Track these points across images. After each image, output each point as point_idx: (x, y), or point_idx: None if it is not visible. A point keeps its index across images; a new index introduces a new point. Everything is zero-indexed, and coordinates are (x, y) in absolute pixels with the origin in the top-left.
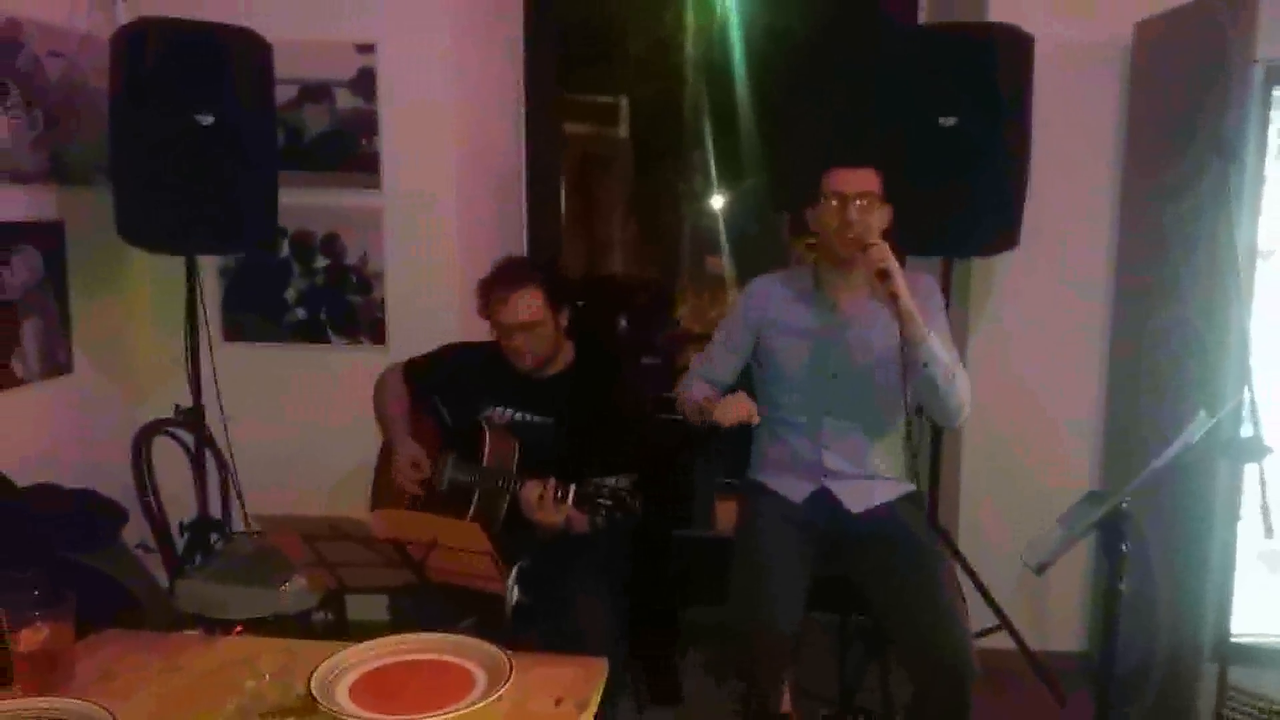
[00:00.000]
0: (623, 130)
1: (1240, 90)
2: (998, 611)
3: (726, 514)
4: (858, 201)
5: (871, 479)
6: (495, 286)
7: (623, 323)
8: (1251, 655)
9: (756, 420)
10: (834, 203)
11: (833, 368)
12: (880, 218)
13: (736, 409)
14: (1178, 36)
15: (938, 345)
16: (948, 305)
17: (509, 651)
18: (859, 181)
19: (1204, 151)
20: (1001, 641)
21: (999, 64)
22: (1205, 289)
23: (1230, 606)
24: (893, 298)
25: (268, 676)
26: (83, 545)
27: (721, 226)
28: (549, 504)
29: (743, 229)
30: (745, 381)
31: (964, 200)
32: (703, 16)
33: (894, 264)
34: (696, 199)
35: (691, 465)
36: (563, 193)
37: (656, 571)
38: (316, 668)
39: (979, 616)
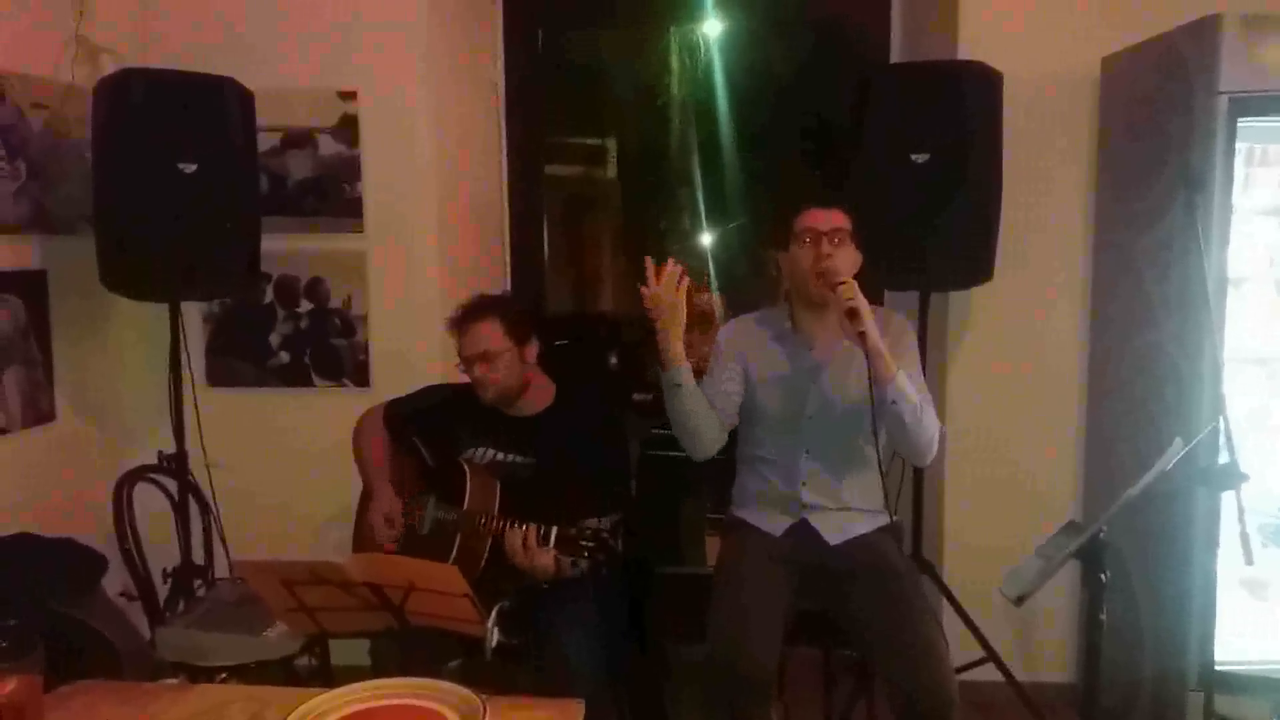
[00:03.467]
0: (610, 171)
1: (1205, 122)
2: (984, 643)
3: (717, 550)
4: (832, 239)
5: (848, 511)
6: (458, 321)
7: (613, 360)
8: (1236, 683)
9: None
10: (807, 241)
11: (809, 409)
12: (851, 259)
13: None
14: (1144, 70)
15: (906, 383)
16: (925, 338)
17: (484, 695)
18: (832, 220)
19: (1172, 182)
20: (989, 673)
21: (969, 100)
22: (1178, 317)
23: (1213, 634)
24: (861, 336)
25: None
26: (61, 594)
27: (711, 264)
28: (533, 550)
29: (732, 266)
30: None
31: (938, 234)
32: (687, 60)
33: (863, 303)
34: (685, 237)
35: (679, 502)
36: (546, 233)
37: (643, 608)
38: (288, 715)
39: (966, 648)
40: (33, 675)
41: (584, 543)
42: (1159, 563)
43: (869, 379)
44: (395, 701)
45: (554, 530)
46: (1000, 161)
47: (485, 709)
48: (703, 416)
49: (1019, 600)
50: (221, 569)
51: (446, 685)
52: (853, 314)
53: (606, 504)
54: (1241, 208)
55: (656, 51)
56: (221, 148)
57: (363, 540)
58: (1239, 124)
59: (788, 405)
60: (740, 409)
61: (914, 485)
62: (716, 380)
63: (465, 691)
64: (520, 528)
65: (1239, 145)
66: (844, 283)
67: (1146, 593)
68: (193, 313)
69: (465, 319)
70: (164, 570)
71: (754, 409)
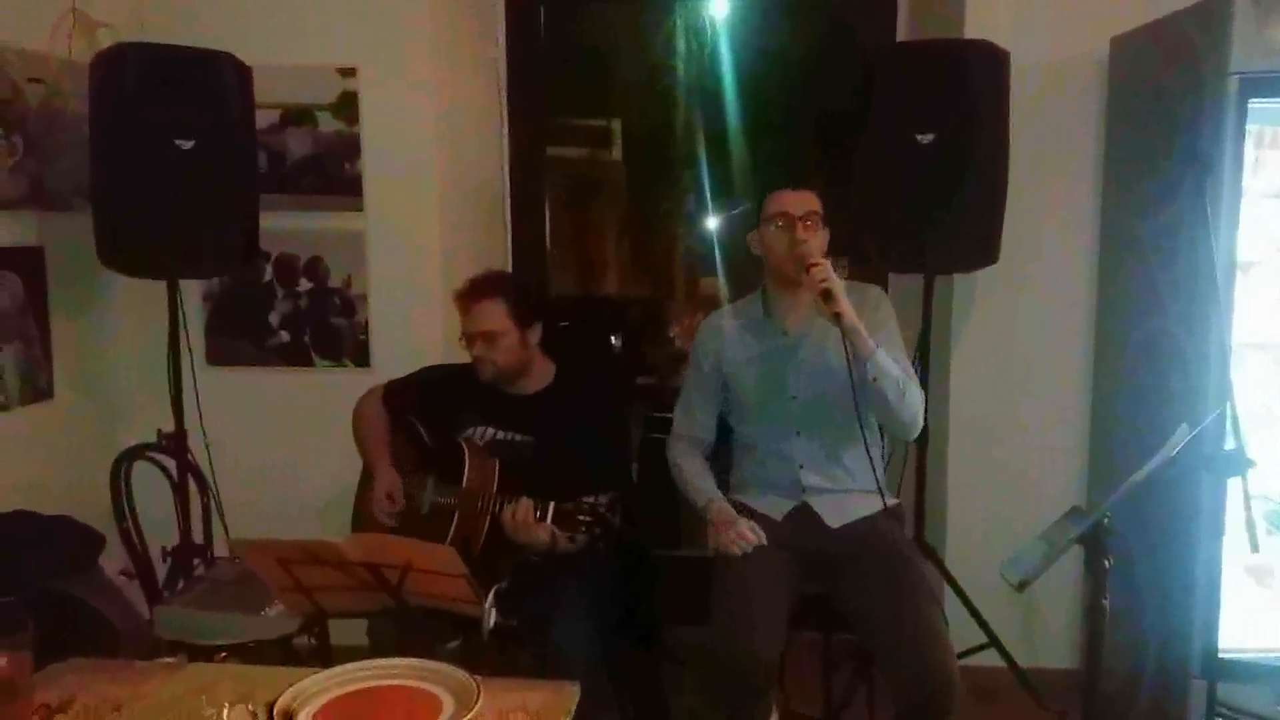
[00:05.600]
0: (615, 153)
1: (1215, 103)
2: (986, 629)
3: None
4: (804, 222)
5: (849, 493)
6: (464, 296)
7: (616, 342)
8: (1240, 671)
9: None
10: (780, 224)
11: (792, 389)
12: (823, 239)
13: (731, 542)
14: (1153, 50)
15: (885, 359)
16: (929, 321)
17: (477, 676)
18: (803, 203)
19: (1181, 164)
20: (992, 658)
21: (975, 80)
22: (1186, 301)
23: (1218, 622)
24: (837, 317)
25: (227, 706)
26: (58, 572)
27: (716, 247)
28: (530, 524)
29: (737, 249)
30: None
31: (943, 216)
32: (693, 40)
33: (836, 283)
34: (690, 220)
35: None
36: (548, 214)
37: (642, 590)
38: (279, 695)
39: (969, 634)
40: (23, 652)
41: (581, 518)
42: (1164, 549)
43: (848, 358)
44: (388, 682)
45: (551, 505)
46: (1007, 142)
47: (479, 690)
48: None
49: (1021, 585)
50: (221, 548)
51: (440, 666)
52: (827, 295)
53: (605, 483)
54: (1251, 190)
55: (662, 32)
56: (219, 124)
57: (362, 520)
58: (1249, 105)
59: (769, 389)
60: (727, 405)
61: (917, 468)
62: (698, 410)
63: (459, 673)
64: (516, 504)
65: (1249, 127)
66: (817, 264)
67: (1151, 579)
68: (192, 291)
69: (471, 295)
70: (163, 549)
71: (738, 401)
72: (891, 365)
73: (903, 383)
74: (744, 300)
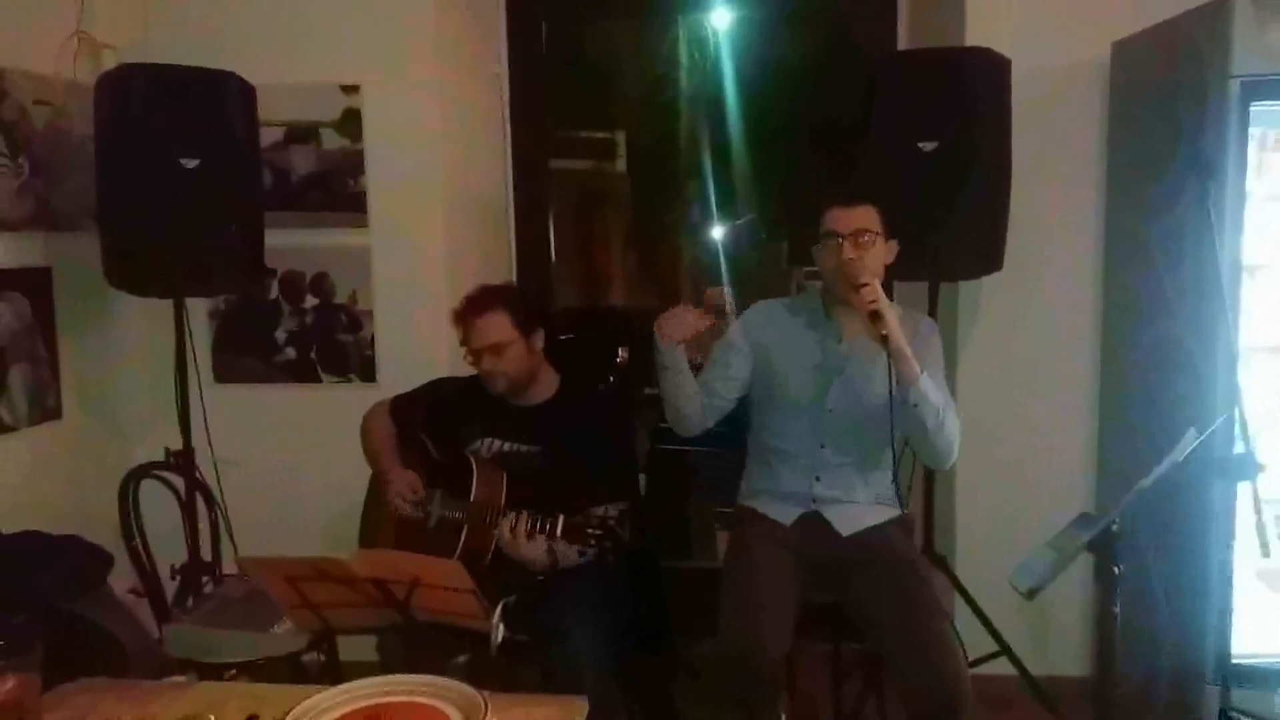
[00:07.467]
0: (620, 165)
1: (1218, 106)
2: (997, 637)
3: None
4: (855, 239)
5: (861, 504)
6: (464, 314)
7: (623, 354)
8: (1254, 676)
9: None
10: (831, 242)
11: (830, 401)
12: (881, 254)
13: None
14: (1155, 55)
15: (929, 386)
16: None
17: (485, 692)
18: (855, 220)
19: (1184, 168)
20: (1004, 667)
21: (977, 88)
22: (1192, 305)
23: (1230, 627)
24: (884, 338)
25: None
26: (67, 592)
27: (721, 257)
28: (521, 539)
29: (743, 259)
30: (741, 410)
31: (947, 224)
32: (695, 52)
33: (885, 304)
34: (695, 230)
35: (688, 495)
36: (553, 227)
37: (652, 601)
38: (288, 712)
39: (980, 642)
40: (32, 674)
41: (591, 530)
42: (1174, 555)
43: (891, 379)
44: (396, 699)
45: (560, 519)
46: (1009, 149)
47: (487, 706)
48: (686, 397)
49: (1031, 593)
50: (229, 566)
51: (448, 682)
52: (875, 315)
53: (614, 493)
54: (1255, 194)
55: (664, 44)
56: (224, 143)
57: (369, 535)
58: (1251, 108)
59: (809, 394)
60: (756, 396)
61: (925, 478)
62: (719, 365)
63: (467, 688)
64: (512, 516)
65: (1252, 130)
66: (866, 284)
67: (1162, 586)
68: (198, 309)
69: (471, 311)
70: (171, 567)
71: (773, 395)
72: (934, 392)
73: (942, 411)
74: (800, 297)
